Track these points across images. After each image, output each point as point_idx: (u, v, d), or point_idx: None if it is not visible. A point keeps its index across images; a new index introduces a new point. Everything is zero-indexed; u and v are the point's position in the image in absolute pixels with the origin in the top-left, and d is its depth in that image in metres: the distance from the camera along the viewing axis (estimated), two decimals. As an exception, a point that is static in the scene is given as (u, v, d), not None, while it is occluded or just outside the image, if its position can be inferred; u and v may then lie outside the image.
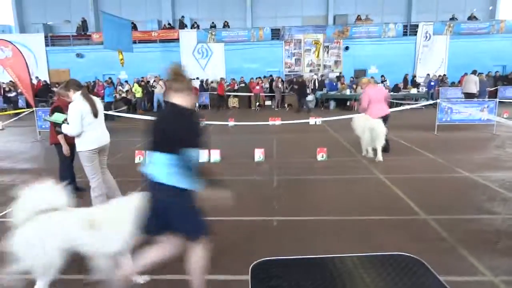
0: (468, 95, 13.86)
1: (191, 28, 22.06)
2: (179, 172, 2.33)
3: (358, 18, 22.19)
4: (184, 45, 21.15)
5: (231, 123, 11.52)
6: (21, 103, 16.95)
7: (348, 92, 16.85)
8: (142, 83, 18.20)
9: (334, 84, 18.34)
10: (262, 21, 23.09)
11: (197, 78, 19.39)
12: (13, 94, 17.17)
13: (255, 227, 4.00)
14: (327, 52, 21.19)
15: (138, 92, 17.31)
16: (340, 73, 20.27)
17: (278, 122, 11.59)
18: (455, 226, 3.88)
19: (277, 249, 3.48)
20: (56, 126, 4.67)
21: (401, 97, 16.27)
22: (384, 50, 20.70)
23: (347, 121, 10.59)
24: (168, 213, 2.40)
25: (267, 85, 18.42)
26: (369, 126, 6.87)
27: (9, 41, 9.87)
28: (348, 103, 16.58)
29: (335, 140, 8.93)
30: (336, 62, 21.32)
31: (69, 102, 4.21)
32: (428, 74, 19.00)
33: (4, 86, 18.45)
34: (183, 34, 21.25)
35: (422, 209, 4.36)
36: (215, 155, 7.10)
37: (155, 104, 17.15)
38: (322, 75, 20.09)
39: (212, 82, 19.53)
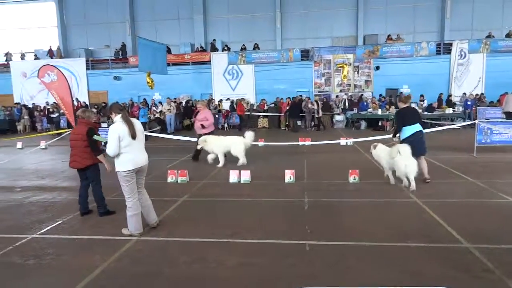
0: (509, 115, 13.23)
1: (222, 50, 22.69)
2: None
3: (389, 38, 22.01)
4: (215, 67, 21.74)
5: (261, 143, 11.57)
6: (62, 123, 17.88)
7: (379, 112, 16.56)
8: (175, 104, 18.75)
9: (365, 103, 18.10)
10: (291, 42, 23.43)
11: (228, 99, 19.75)
12: (55, 115, 18.18)
13: (286, 251, 3.93)
14: (358, 72, 21.07)
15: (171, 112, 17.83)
16: (373, 94, 20.01)
17: (308, 142, 11.53)
18: (501, 256, 3.63)
19: (310, 275, 3.39)
20: (99, 145, 5.10)
21: (436, 117, 15.78)
22: (417, 69, 20.31)
23: (380, 142, 10.41)
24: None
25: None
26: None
27: (54, 66, 10.57)
28: (379, 123, 16.26)
29: (367, 162, 8.72)
30: (366, 82, 21.12)
31: (95, 122, 4.53)
32: (465, 93, 18.36)
33: (48, 107, 19.62)
34: (215, 56, 21.87)
35: (464, 236, 4.13)
36: (245, 176, 7.13)
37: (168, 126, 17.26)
38: (351, 95, 19.94)
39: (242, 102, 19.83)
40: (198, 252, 3.93)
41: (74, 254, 3.99)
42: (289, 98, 18.76)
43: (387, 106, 16.81)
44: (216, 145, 8.76)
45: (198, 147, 8.86)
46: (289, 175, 7.05)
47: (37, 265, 3.76)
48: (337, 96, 20.02)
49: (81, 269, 3.58)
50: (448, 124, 13.25)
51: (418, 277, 3.24)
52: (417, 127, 6.55)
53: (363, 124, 16.91)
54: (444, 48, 20.64)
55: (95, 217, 5.26)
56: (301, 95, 19.02)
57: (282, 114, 18.18)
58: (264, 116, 18.81)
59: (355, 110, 17.58)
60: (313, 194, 6.10)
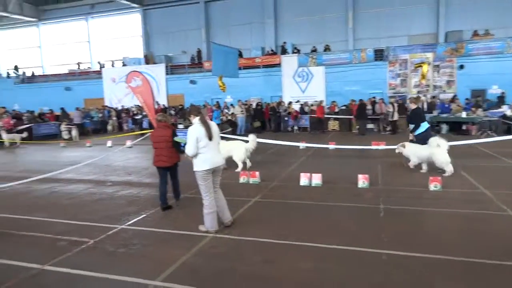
0: None
1: (292, 53, 22.73)
2: None
3: (475, 34, 20.06)
4: (285, 69, 21.86)
5: (331, 146, 11.34)
6: (145, 124, 19.45)
7: (464, 114, 15.16)
8: (245, 106, 19.24)
9: (447, 105, 16.72)
10: (364, 42, 22.62)
11: (297, 102, 19.72)
12: (139, 116, 19.86)
13: (361, 259, 3.80)
14: (438, 72, 19.55)
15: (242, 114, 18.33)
16: (455, 95, 18.39)
17: (382, 146, 11.00)
18: None
19: None
20: (180, 146, 5.53)
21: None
22: (508, 68, 18.19)
23: (464, 149, 9.56)
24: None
25: (369, 107, 17.68)
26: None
27: (140, 72, 11.55)
28: (464, 127, 14.88)
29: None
30: (448, 82, 19.49)
31: (172, 124, 4.89)
32: None
33: (133, 110, 21.50)
34: (285, 59, 22.00)
35: None
36: (316, 179, 7.05)
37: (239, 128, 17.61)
38: (433, 96, 18.57)
39: (312, 105, 19.62)
40: (270, 253, 3.99)
41: (157, 246, 4.32)
42: (361, 100, 18.08)
43: (473, 109, 15.33)
44: None
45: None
46: (362, 180, 6.81)
47: (126, 253, 4.14)
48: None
49: (163, 260, 3.86)
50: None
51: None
52: (427, 123, 8.56)
53: (444, 128, 15.63)
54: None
55: (174, 212, 5.64)
56: (374, 97, 18.22)
57: (352, 116, 17.57)
58: (335, 119, 18.39)
59: (435, 113, 16.34)
60: (389, 200, 5.81)
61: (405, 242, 4.16)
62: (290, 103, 19.94)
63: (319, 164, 9.38)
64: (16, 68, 30.20)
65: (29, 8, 28.98)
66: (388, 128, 16.57)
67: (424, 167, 7.90)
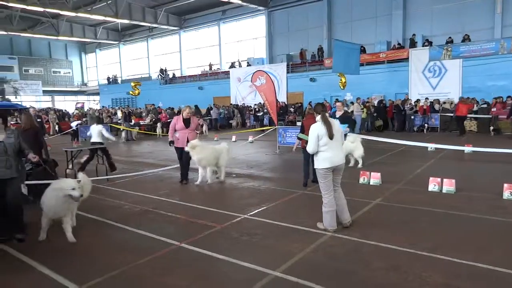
0: None
1: (423, 45, 20.68)
2: None
3: None
4: (413, 64, 20.03)
5: (467, 148, 9.96)
6: (265, 121, 20.40)
7: None
8: (367, 104, 18.38)
9: None
10: (516, 29, 19.09)
11: (427, 99, 17.89)
12: (260, 113, 20.92)
13: (506, 283, 3.25)
14: None
15: (363, 113, 17.60)
16: None
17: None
18: None
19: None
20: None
21: None
22: None
23: None
24: None
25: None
26: None
27: (264, 71, 12.14)
28: None
29: None
30: None
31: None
32: None
33: (255, 107, 22.77)
34: (414, 52, 20.15)
35: None
36: (448, 185, 6.30)
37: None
38: None
39: (444, 102, 17.57)
40: (394, 260, 3.74)
41: (277, 238, 4.50)
42: (510, 97, 15.36)
43: None
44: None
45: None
46: (509, 191, 5.81)
47: (249, 241, 4.44)
48: None
49: (283, 253, 4.00)
50: None
51: None
52: None
53: None
54: None
55: (293, 207, 5.79)
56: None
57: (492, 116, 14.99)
58: (474, 119, 16.07)
59: None
60: (547, 218, 4.82)
61: None
62: (417, 100, 18.24)
63: (452, 168, 8.37)
64: (161, 71, 35.13)
65: (174, 19, 33.34)
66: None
67: None
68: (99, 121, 10.58)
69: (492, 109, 15.23)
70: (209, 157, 7.45)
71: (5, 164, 4.36)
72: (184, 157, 7.53)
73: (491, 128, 14.82)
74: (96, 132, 8.78)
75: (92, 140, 8.87)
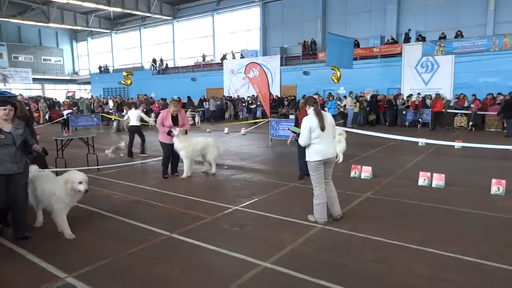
0: None
1: (417, 41, 20.77)
2: None
3: None
4: (406, 59, 20.13)
5: (457, 144, 10.08)
6: (258, 113, 20.38)
7: None
8: (360, 98, 18.45)
9: None
10: (508, 26, 19.22)
11: (419, 94, 18.02)
12: (253, 106, 20.87)
13: (492, 276, 3.30)
14: None
15: (356, 107, 17.67)
16: None
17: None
18: None
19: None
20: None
21: None
22: None
23: None
24: None
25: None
26: None
27: (258, 63, 12.08)
28: None
29: None
30: None
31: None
32: None
33: (248, 99, 22.71)
34: (407, 48, 20.24)
35: None
36: (438, 180, 6.39)
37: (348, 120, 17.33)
38: None
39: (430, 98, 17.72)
40: (383, 252, 3.80)
41: (267, 229, 4.52)
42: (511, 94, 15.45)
43: None
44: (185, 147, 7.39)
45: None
46: (497, 186, 5.91)
47: (240, 232, 4.45)
48: None
49: (274, 244, 4.02)
50: None
51: None
52: None
53: None
54: None
55: (284, 200, 5.81)
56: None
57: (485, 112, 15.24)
58: (464, 114, 16.26)
59: None
60: (533, 213, 4.92)
61: (553, 264, 3.47)
62: (410, 95, 18.38)
63: (442, 164, 8.46)
64: (154, 61, 34.73)
65: (167, 8, 32.90)
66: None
67: None
68: (136, 106, 11.24)
69: (471, 106, 15.61)
70: (188, 148, 7.25)
71: (14, 158, 4.07)
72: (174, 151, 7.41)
73: (470, 123, 15.15)
74: (135, 116, 9.88)
75: (131, 123, 9.87)
